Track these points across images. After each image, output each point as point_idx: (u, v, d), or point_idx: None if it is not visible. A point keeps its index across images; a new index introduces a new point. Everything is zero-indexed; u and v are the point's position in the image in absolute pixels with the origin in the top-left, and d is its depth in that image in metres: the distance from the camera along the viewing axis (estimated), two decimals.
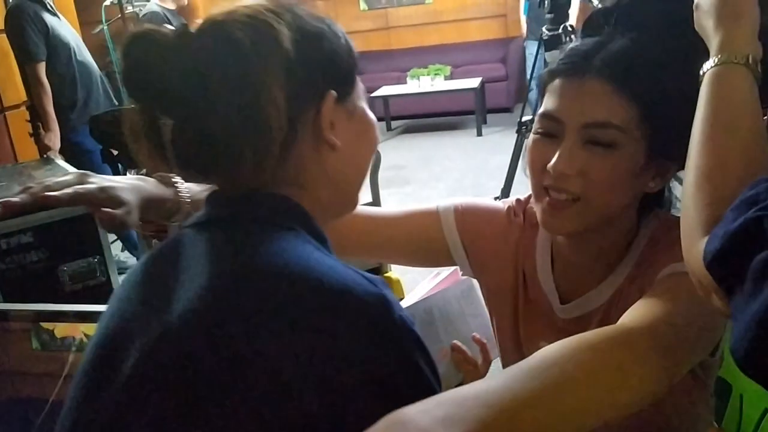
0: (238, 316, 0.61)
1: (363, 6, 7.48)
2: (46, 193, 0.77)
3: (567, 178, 0.85)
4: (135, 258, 3.57)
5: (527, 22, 6.22)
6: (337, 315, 0.61)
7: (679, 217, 0.91)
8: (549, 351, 0.65)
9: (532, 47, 6.10)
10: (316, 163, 0.72)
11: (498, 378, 0.61)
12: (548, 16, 3.10)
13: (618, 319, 0.76)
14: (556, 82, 0.88)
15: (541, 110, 0.90)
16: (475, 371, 1.06)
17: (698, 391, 0.93)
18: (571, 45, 0.93)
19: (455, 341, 1.09)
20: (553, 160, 0.85)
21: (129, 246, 3.60)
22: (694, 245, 0.65)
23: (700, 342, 0.76)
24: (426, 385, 0.61)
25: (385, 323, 0.62)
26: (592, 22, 0.93)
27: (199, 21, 0.71)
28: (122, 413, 0.63)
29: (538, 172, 0.88)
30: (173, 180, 0.86)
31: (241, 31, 0.67)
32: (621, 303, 0.88)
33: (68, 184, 0.79)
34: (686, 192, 0.69)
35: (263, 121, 0.67)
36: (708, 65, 0.72)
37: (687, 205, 0.69)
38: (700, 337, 0.76)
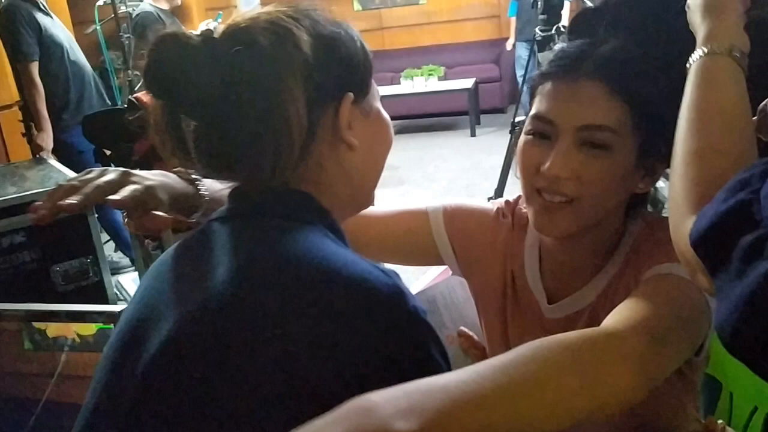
0: (262, 303, 0.64)
1: (357, 6, 7.48)
2: (109, 197, 0.76)
3: (561, 180, 0.85)
4: (128, 258, 3.56)
5: (516, 24, 6.21)
6: (353, 304, 0.63)
7: (664, 218, 0.92)
8: (525, 348, 0.65)
9: (521, 49, 6.11)
10: (334, 161, 0.75)
11: (470, 371, 0.61)
12: (541, 17, 3.11)
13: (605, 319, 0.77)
14: (549, 83, 0.88)
15: (533, 112, 0.89)
16: (483, 355, 1.06)
17: (685, 389, 0.94)
18: (561, 46, 0.92)
19: (462, 327, 1.09)
20: (548, 162, 0.85)
21: (122, 246, 3.58)
22: (682, 223, 0.65)
23: (682, 345, 0.75)
24: (437, 373, 0.62)
25: (399, 312, 0.64)
26: (579, 22, 0.93)
27: (218, 26, 0.73)
28: (148, 387, 0.66)
29: (530, 173, 0.88)
30: (194, 177, 0.86)
31: (263, 36, 0.70)
32: (608, 303, 0.89)
33: (118, 184, 0.78)
34: (674, 173, 0.70)
35: (285, 123, 0.70)
36: (694, 57, 0.73)
37: (675, 185, 0.69)
38: (683, 339, 0.75)
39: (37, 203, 0.74)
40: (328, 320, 0.62)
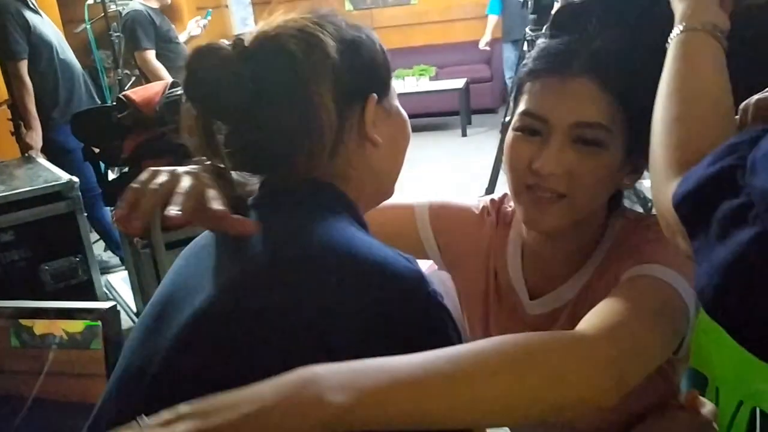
0: (294, 281, 0.68)
1: (348, 6, 7.48)
2: (215, 209, 0.71)
3: (554, 177, 0.85)
4: (118, 257, 3.54)
5: (502, 24, 6.17)
6: (378, 286, 0.67)
7: (645, 216, 0.92)
8: (492, 340, 0.66)
9: (508, 50, 6.09)
10: (360, 158, 0.80)
11: (424, 355, 0.62)
12: (531, 16, 3.12)
13: (583, 315, 0.76)
14: (539, 80, 0.88)
15: (523, 108, 0.88)
16: None
17: (666, 386, 0.94)
18: (548, 42, 0.91)
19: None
20: (541, 159, 0.85)
21: (111, 245, 3.56)
22: (664, 186, 0.65)
23: (656, 348, 0.75)
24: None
25: (420, 295, 0.69)
26: (563, 17, 0.92)
27: (247, 34, 0.78)
28: (178, 350, 0.70)
29: (520, 170, 0.88)
30: (225, 171, 0.87)
31: (293, 43, 0.75)
32: (588, 299, 0.89)
33: (202, 191, 0.74)
34: (654, 139, 0.70)
35: (316, 125, 0.75)
36: (673, 34, 0.73)
37: (655, 152, 0.69)
38: (657, 343, 0.74)
39: (119, 212, 0.73)
40: (354, 300, 0.66)
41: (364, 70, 0.80)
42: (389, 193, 0.88)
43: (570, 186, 0.85)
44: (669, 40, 0.74)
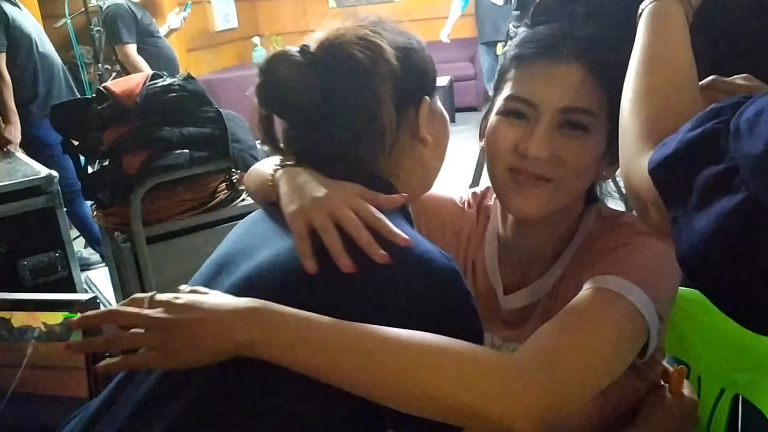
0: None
1: (332, 4, 7.46)
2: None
3: (540, 161, 0.85)
4: (98, 254, 3.50)
5: (478, 24, 6.13)
6: (418, 279, 0.74)
7: (617, 213, 0.92)
8: (426, 335, 0.70)
9: (482, 52, 6.05)
10: (411, 156, 0.87)
11: (368, 328, 0.69)
12: (515, 12, 3.12)
13: (554, 313, 0.78)
14: (527, 65, 0.88)
15: (509, 93, 0.88)
16: None
17: (643, 385, 0.95)
18: (534, 29, 0.91)
19: None
20: (529, 142, 0.85)
21: (92, 241, 3.53)
22: (636, 158, 0.65)
23: (603, 372, 0.75)
24: (479, 343, 0.76)
25: (456, 291, 0.76)
26: (544, 7, 0.92)
27: (310, 41, 0.85)
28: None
29: (504, 153, 0.88)
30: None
31: (357, 51, 0.81)
32: (560, 298, 0.89)
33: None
34: (625, 110, 0.71)
35: (379, 126, 0.82)
36: (644, 4, 0.74)
37: (626, 125, 0.70)
38: (605, 367, 0.74)
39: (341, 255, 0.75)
40: (395, 289, 0.73)
41: (418, 74, 0.87)
42: (428, 188, 0.93)
43: (556, 170, 0.85)
44: (640, 10, 0.74)
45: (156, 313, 0.71)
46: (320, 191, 0.79)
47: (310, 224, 0.76)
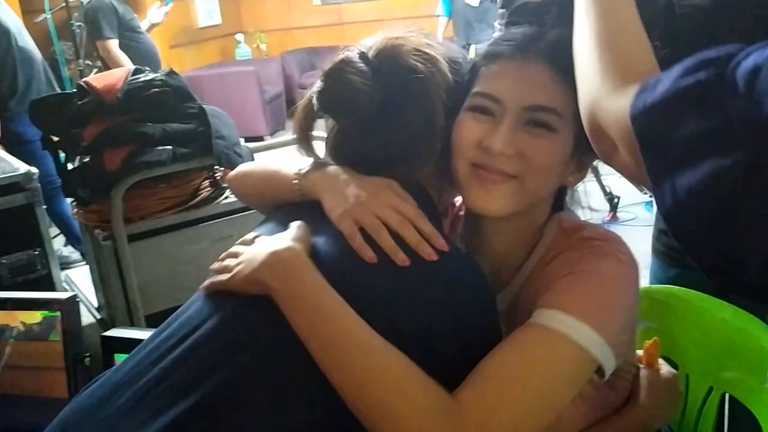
0: (376, 265, 0.81)
1: (316, 1, 7.43)
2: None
3: (505, 158, 0.85)
4: (79, 252, 3.46)
5: (454, 25, 6.09)
6: (448, 284, 0.80)
7: (578, 225, 0.91)
8: (397, 354, 0.74)
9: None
10: (445, 164, 0.91)
11: (349, 314, 0.76)
12: (501, 11, 3.12)
13: (514, 328, 0.81)
14: (497, 63, 0.89)
15: (477, 89, 0.89)
16: None
17: (615, 395, 0.94)
18: (508, 29, 0.94)
19: None
20: (493, 138, 0.85)
21: (72, 239, 3.48)
22: (605, 97, 0.64)
23: (549, 403, 0.77)
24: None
25: (485, 297, 0.84)
26: (521, 14, 0.94)
27: (368, 47, 0.91)
28: None
29: (469, 148, 0.88)
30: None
31: (416, 61, 0.87)
32: (520, 309, 0.88)
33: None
34: (583, 56, 0.71)
35: (435, 133, 0.88)
36: None
37: (587, 67, 0.70)
38: (549, 399, 0.77)
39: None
40: (423, 292, 0.79)
41: (463, 88, 0.90)
42: (454, 197, 1.01)
43: (521, 168, 0.86)
44: None
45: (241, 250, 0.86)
46: (362, 192, 0.84)
47: (358, 224, 0.82)
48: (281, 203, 0.95)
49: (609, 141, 0.63)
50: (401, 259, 0.79)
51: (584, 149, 0.89)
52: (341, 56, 0.88)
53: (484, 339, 0.80)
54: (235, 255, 0.85)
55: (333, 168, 0.90)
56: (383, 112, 0.86)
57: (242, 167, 1.07)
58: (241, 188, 1.07)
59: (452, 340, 0.78)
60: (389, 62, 0.87)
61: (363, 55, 0.88)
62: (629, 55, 0.67)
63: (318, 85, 0.88)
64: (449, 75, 0.89)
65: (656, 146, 0.55)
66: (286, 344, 0.76)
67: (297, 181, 0.91)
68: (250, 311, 0.80)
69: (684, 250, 0.56)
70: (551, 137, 0.86)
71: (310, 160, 0.95)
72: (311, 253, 0.82)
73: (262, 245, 0.83)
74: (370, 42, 0.91)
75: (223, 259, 0.87)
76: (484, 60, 0.91)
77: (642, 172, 0.58)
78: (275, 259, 0.79)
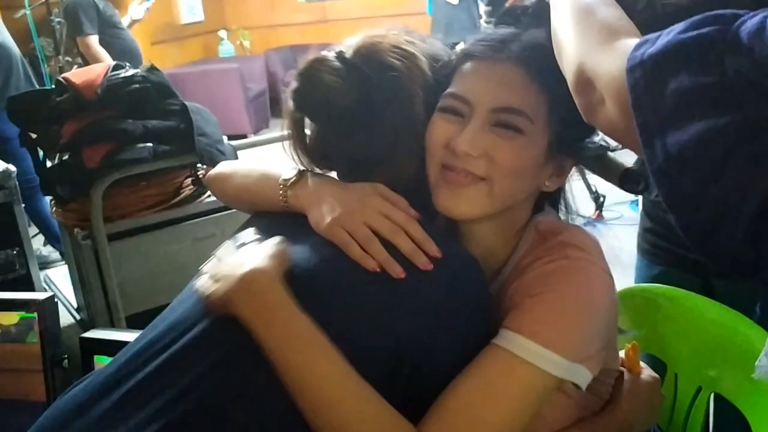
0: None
1: None
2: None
3: (471, 159, 0.84)
4: (58, 252, 3.41)
5: (433, 23, 6.08)
6: (451, 278, 0.79)
7: (556, 228, 0.90)
8: (365, 387, 0.74)
9: None
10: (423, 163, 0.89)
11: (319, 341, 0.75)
12: (486, 9, 3.11)
13: (495, 327, 0.81)
14: (470, 63, 0.89)
15: (450, 90, 0.88)
16: None
17: (596, 400, 0.93)
18: (487, 31, 0.94)
19: None
20: (459, 139, 0.84)
21: (51, 239, 3.44)
22: (598, 49, 0.63)
23: (512, 425, 0.77)
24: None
25: (483, 294, 0.84)
26: (506, 19, 0.94)
27: (345, 46, 0.89)
28: None
29: (438, 149, 0.87)
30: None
31: (394, 59, 0.85)
32: (499, 311, 0.86)
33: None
34: (567, 23, 0.71)
35: (415, 132, 0.86)
36: None
37: (574, 35, 0.69)
38: (512, 422, 0.77)
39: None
40: (430, 290, 0.77)
41: (444, 82, 0.88)
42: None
43: (489, 170, 0.84)
44: None
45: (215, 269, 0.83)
46: (349, 201, 0.82)
47: (350, 234, 0.79)
48: (260, 210, 0.93)
49: (597, 96, 0.62)
50: (396, 272, 0.77)
51: (563, 153, 0.88)
52: (316, 55, 0.87)
53: (482, 338, 0.80)
54: (217, 267, 0.83)
55: (318, 180, 0.88)
56: (360, 111, 0.85)
57: (223, 167, 1.04)
58: (221, 190, 1.04)
59: (453, 345, 0.78)
60: (365, 60, 0.86)
61: (339, 54, 0.87)
62: (611, 17, 0.67)
63: (293, 84, 0.87)
64: (429, 72, 0.87)
65: (649, 100, 0.54)
66: (264, 363, 0.74)
67: (282, 193, 0.89)
68: (233, 324, 0.78)
69: (670, 210, 0.54)
70: (520, 139, 0.84)
71: (293, 163, 0.93)
72: (289, 270, 0.79)
73: (234, 261, 0.81)
74: (352, 41, 0.89)
75: (206, 271, 0.84)
76: (459, 60, 0.91)
77: (628, 128, 0.56)
78: (245, 284, 0.77)
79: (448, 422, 0.75)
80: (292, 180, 0.89)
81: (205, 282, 0.81)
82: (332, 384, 0.73)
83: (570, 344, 0.79)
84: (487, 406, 0.76)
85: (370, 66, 0.85)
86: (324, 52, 0.87)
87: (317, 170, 0.92)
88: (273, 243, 0.81)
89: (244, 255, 0.81)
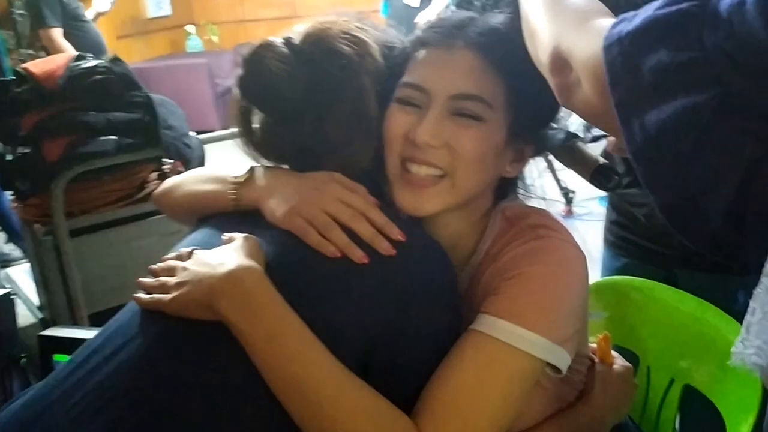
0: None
1: None
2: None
3: (432, 150, 0.82)
4: (20, 249, 3.32)
5: (386, 24, 6.06)
6: (415, 266, 0.79)
7: (522, 212, 0.88)
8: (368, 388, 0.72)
9: None
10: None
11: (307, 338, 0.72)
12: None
13: (470, 314, 0.80)
14: (424, 50, 0.87)
15: (405, 79, 0.86)
16: None
17: (570, 389, 0.93)
18: (441, 17, 0.91)
19: None
20: (418, 129, 0.82)
21: (12, 236, 3.35)
22: (573, 29, 0.62)
23: (503, 410, 0.76)
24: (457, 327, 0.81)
25: (450, 274, 0.82)
26: (465, 5, 0.93)
27: (293, 33, 0.86)
28: None
29: (397, 142, 0.85)
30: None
31: (343, 45, 0.83)
32: (474, 302, 0.85)
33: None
34: (539, 9, 0.70)
35: (366, 120, 0.83)
36: None
37: (547, 18, 0.68)
38: (503, 406, 0.76)
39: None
40: (396, 276, 0.76)
41: (399, 73, 0.86)
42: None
43: (450, 162, 0.83)
44: None
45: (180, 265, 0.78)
46: (305, 189, 0.79)
47: (308, 222, 0.77)
48: (209, 213, 0.90)
49: (573, 77, 0.60)
50: (359, 256, 0.75)
51: (522, 138, 0.87)
52: (262, 41, 0.83)
53: (452, 322, 0.79)
54: (172, 270, 0.78)
55: (270, 172, 0.86)
56: (308, 99, 0.82)
57: (168, 182, 1.01)
58: (168, 204, 0.99)
59: (424, 328, 0.76)
60: (314, 46, 0.83)
61: (287, 40, 0.84)
62: (583, 2, 0.66)
63: (238, 71, 0.84)
64: (381, 60, 0.85)
65: (626, 79, 0.53)
66: (215, 383, 0.71)
67: (233, 191, 0.86)
68: (176, 341, 0.75)
69: (649, 191, 0.53)
70: (480, 127, 0.83)
71: (241, 165, 0.90)
72: (265, 266, 0.75)
73: (208, 261, 0.76)
74: (300, 27, 0.87)
75: (157, 274, 0.80)
76: (413, 47, 0.89)
77: (606, 109, 0.54)
78: (233, 284, 0.72)
79: (440, 414, 0.74)
80: (244, 177, 0.86)
81: (162, 285, 0.77)
82: (331, 379, 0.71)
83: (550, 324, 0.78)
84: (477, 394, 0.75)
85: (318, 53, 0.83)
86: (271, 38, 0.84)
87: (268, 163, 0.90)
88: (243, 240, 0.77)
89: (220, 254, 0.77)
